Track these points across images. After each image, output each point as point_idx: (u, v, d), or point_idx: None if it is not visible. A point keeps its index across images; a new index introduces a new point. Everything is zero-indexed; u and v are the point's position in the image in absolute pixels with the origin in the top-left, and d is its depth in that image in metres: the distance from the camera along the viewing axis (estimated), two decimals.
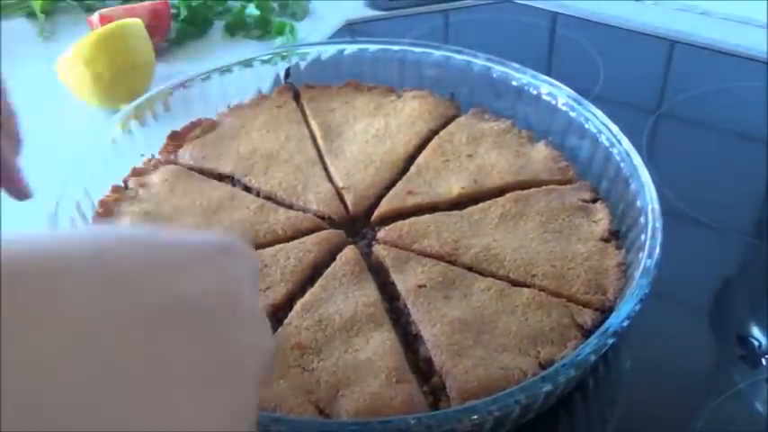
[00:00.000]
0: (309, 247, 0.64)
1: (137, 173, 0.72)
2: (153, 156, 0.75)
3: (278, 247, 0.64)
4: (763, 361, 0.62)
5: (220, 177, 0.72)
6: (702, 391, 0.60)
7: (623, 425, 0.58)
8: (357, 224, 0.68)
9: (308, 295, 0.60)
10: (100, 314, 0.28)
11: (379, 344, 0.56)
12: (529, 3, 1.09)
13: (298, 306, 0.59)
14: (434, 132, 0.76)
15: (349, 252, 0.64)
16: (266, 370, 0.35)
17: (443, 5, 1.08)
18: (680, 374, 0.62)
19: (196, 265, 0.33)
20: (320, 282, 0.61)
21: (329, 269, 0.62)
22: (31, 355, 0.26)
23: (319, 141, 0.75)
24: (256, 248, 0.64)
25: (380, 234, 0.66)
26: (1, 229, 0.68)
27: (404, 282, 0.61)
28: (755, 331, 0.65)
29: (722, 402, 0.59)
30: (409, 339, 0.58)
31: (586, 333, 0.57)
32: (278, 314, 0.59)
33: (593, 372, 0.60)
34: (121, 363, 0.28)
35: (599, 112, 0.72)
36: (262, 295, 0.59)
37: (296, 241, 0.65)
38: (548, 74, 0.78)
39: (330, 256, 0.64)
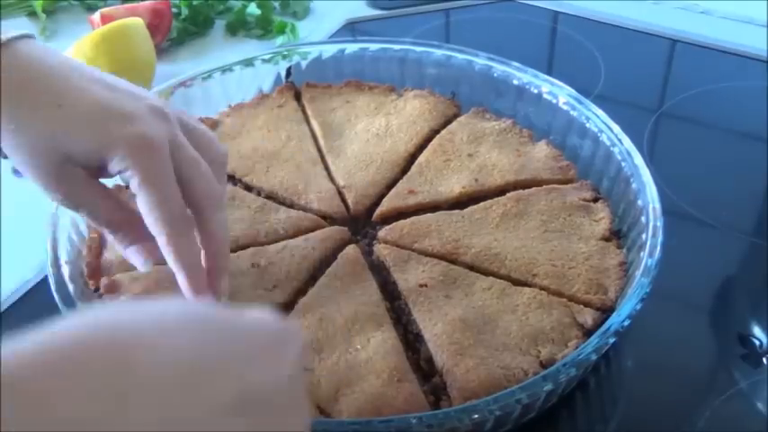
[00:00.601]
0: (314, 244, 0.64)
1: None
2: None
3: (281, 244, 0.64)
4: (764, 360, 0.62)
5: None
6: (703, 390, 0.60)
7: (624, 424, 0.58)
8: (358, 223, 0.68)
9: (309, 294, 0.60)
10: (174, 405, 0.29)
11: (380, 343, 0.56)
12: (530, 2, 1.09)
13: (299, 305, 0.59)
14: (435, 131, 0.76)
15: (350, 251, 0.64)
16: None
17: (444, 4, 1.08)
18: (681, 373, 0.62)
19: (262, 355, 0.34)
20: (321, 281, 0.61)
21: (330, 268, 0.62)
22: None
23: (320, 140, 0.75)
24: (258, 246, 0.64)
25: (381, 233, 0.66)
26: (1, 229, 0.68)
27: (405, 281, 0.61)
28: (756, 330, 0.65)
29: (723, 401, 0.59)
30: (410, 339, 0.58)
31: (587, 332, 0.57)
32: (284, 313, 0.59)
33: (595, 371, 0.60)
34: None
35: (600, 112, 0.72)
36: (268, 294, 0.60)
37: (300, 238, 0.65)
38: (549, 73, 0.78)
39: (334, 254, 0.64)
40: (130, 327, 0.31)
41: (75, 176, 0.51)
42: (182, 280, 0.51)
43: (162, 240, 0.50)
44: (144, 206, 0.50)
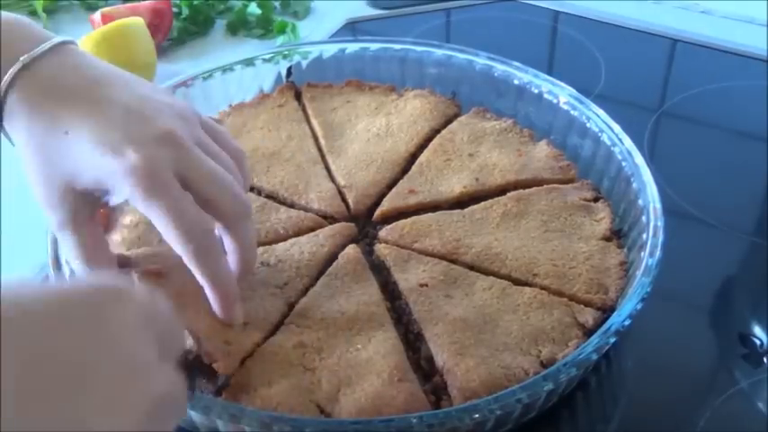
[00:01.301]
0: (322, 240, 0.64)
1: None
2: None
3: (291, 241, 0.64)
4: (765, 360, 0.62)
5: None
6: (704, 390, 0.61)
7: (625, 424, 0.58)
8: (359, 223, 0.68)
9: (309, 294, 0.60)
10: None
11: (381, 343, 0.56)
12: (531, 1, 1.09)
13: (300, 304, 0.59)
14: (436, 131, 0.76)
15: (351, 251, 0.64)
16: (173, 412, 0.34)
17: (445, 4, 1.08)
18: (681, 373, 0.62)
19: (71, 317, 0.32)
20: (322, 280, 0.61)
21: (331, 268, 0.62)
22: None
23: (321, 140, 0.75)
24: (262, 246, 0.64)
25: (382, 233, 0.66)
26: (1, 229, 0.68)
27: (405, 281, 0.61)
28: (757, 330, 0.65)
29: (724, 401, 0.59)
30: (411, 338, 0.58)
31: (588, 332, 0.57)
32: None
33: (595, 371, 0.60)
34: None
35: (600, 111, 0.72)
36: (279, 291, 0.60)
37: (310, 234, 0.65)
38: (549, 73, 0.78)
39: (343, 250, 0.64)
40: None
41: (77, 205, 0.51)
42: (210, 294, 0.53)
43: (186, 257, 0.51)
44: (158, 225, 0.50)
